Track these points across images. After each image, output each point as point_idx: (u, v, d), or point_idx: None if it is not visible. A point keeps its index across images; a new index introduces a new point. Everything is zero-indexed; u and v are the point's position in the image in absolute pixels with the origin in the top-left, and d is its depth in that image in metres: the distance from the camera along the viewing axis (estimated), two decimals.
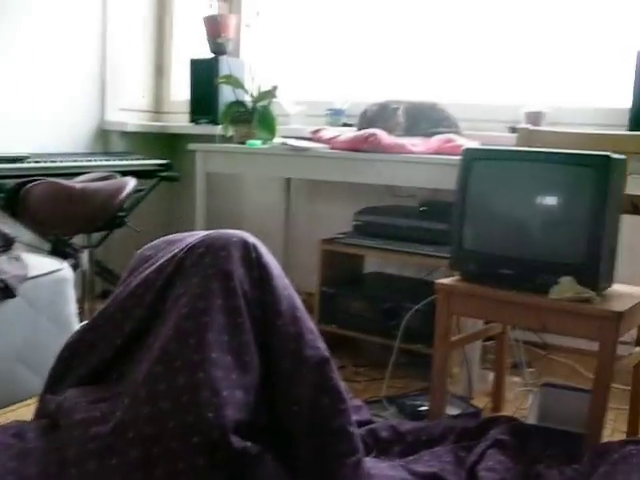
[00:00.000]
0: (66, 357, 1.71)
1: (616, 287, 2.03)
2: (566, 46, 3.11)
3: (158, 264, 1.62)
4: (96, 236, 2.99)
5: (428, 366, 2.15)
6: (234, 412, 1.36)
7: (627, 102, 2.74)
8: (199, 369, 1.39)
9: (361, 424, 1.90)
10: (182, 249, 1.59)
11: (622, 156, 1.96)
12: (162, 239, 1.76)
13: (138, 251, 1.79)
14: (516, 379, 2.60)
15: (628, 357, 2.06)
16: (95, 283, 3.04)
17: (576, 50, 3.10)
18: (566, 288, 1.90)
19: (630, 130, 2.68)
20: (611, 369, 1.85)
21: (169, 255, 1.60)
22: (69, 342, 1.72)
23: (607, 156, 1.90)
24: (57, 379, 1.70)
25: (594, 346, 1.90)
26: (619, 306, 1.88)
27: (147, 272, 1.61)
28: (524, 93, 3.13)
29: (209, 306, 1.46)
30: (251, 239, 1.60)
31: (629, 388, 2.17)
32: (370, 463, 1.66)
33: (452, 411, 2.25)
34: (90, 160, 3.15)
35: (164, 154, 3.55)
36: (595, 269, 1.92)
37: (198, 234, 1.66)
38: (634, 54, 2.69)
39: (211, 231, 1.64)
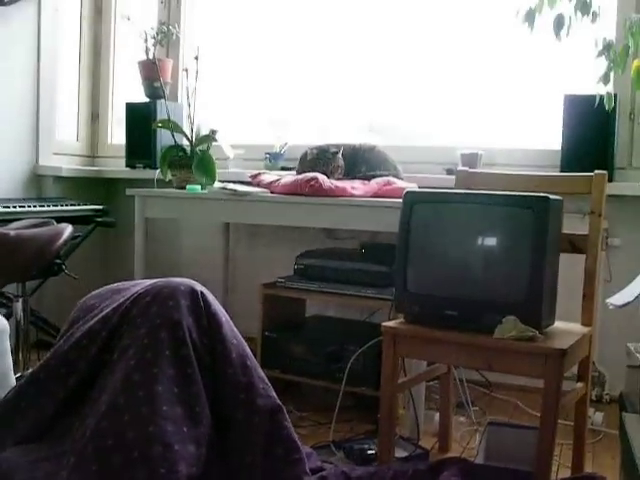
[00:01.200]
0: (4, 414, 1.64)
1: (558, 324, 2.08)
2: (500, 90, 3.21)
3: (103, 314, 1.58)
4: (30, 284, 2.90)
5: (374, 408, 2.14)
6: (187, 467, 1.33)
7: (558, 144, 2.84)
8: (149, 423, 1.35)
9: (312, 471, 1.88)
10: (128, 298, 1.56)
11: (558, 197, 2.02)
12: (106, 288, 1.73)
13: (81, 300, 1.74)
14: (462, 419, 2.61)
15: (571, 393, 2.09)
16: (29, 332, 2.94)
17: (510, 93, 3.20)
18: (510, 327, 1.92)
19: (562, 170, 2.78)
20: (557, 406, 1.87)
21: (114, 305, 1.56)
22: (7, 398, 1.66)
23: (546, 197, 1.95)
24: None
25: (537, 383, 1.93)
26: (562, 343, 1.91)
27: (91, 322, 1.57)
28: (460, 135, 3.21)
29: (158, 357, 1.43)
30: (198, 287, 1.58)
31: (571, 423, 2.20)
32: None
33: (400, 453, 2.24)
34: (24, 206, 3.07)
35: (100, 199, 3.49)
36: (537, 308, 1.95)
37: (144, 283, 1.63)
38: (562, 98, 2.81)
39: (157, 280, 1.61)
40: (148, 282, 1.61)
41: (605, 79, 2.47)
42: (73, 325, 1.64)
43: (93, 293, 1.72)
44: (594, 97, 2.48)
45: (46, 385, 1.59)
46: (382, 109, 3.44)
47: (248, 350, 1.57)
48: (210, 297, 1.59)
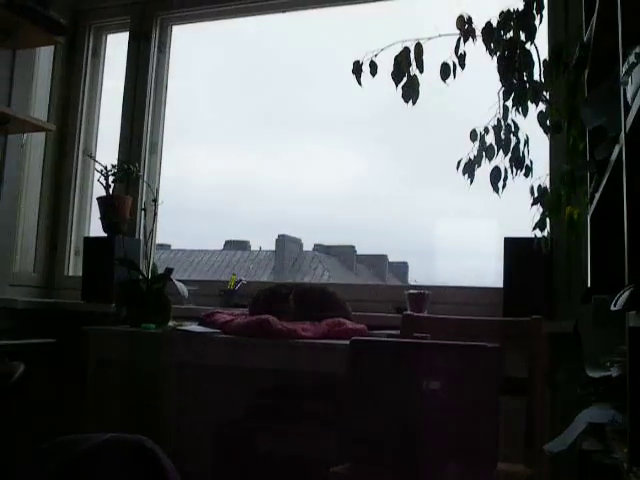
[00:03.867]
0: None
1: (500, 466, 2.13)
2: (446, 229, 3.38)
3: (48, 472, 1.59)
4: None
5: None
6: None
7: (500, 282, 2.97)
8: None
9: None
10: (75, 456, 1.58)
11: (495, 344, 2.12)
12: (54, 442, 1.74)
13: (25, 455, 1.75)
14: None
15: None
16: None
17: (455, 233, 3.36)
18: (452, 473, 1.98)
19: (504, 308, 2.89)
20: None
21: (62, 465, 1.58)
22: None
23: (482, 346, 2.05)
24: None
25: None
26: None
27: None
28: (406, 265, 3.35)
29: None
30: (149, 444, 1.61)
31: None
32: None
33: None
34: None
35: (55, 332, 3.48)
36: (477, 452, 2.02)
37: (92, 438, 1.65)
38: (502, 241, 2.96)
39: (106, 436, 1.64)
40: (96, 438, 1.63)
41: (541, 225, 2.64)
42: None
43: (37, 449, 1.73)
44: (532, 240, 2.63)
45: None
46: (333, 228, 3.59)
47: None
48: (160, 454, 1.62)
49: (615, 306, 1.35)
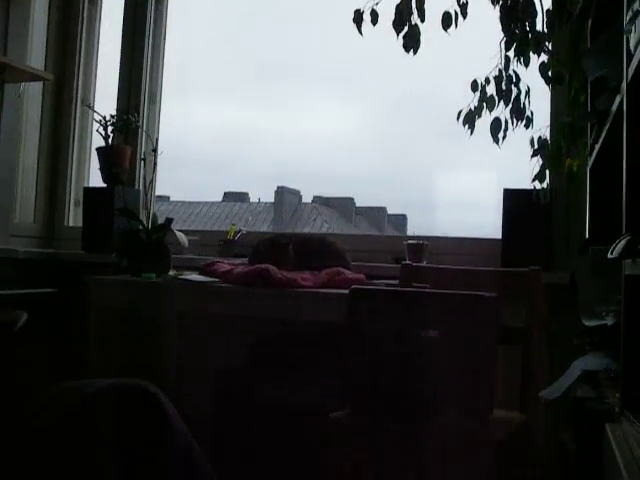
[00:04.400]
0: None
1: (496, 412, 2.17)
2: (445, 181, 3.38)
3: (52, 416, 1.62)
4: None
5: None
6: None
7: (499, 233, 2.98)
8: None
9: None
10: (79, 402, 1.61)
11: (493, 294, 2.14)
12: (59, 388, 1.77)
13: (31, 399, 1.78)
14: None
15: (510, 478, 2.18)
16: None
17: (456, 184, 3.37)
18: (449, 418, 2.02)
19: (503, 259, 2.91)
20: None
21: (65, 409, 1.61)
22: None
23: (478, 295, 2.08)
24: None
25: None
26: (499, 433, 2.02)
27: (41, 427, 1.61)
28: (405, 217, 3.37)
29: (108, 461, 1.48)
30: (152, 389, 1.64)
31: None
32: None
33: None
34: None
35: (56, 282, 3.51)
36: (475, 399, 2.06)
37: (94, 384, 1.68)
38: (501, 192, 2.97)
39: (109, 381, 1.67)
40: (99, 383, 1.66)
41: (540, 177, 2.64)
42: (21, 430, 1.68)
43: (43, 394, 1.76)
44: (532, 191, 2.64)
45: None
46: (333, 180, 3.60)
47: (197, 450, 1.64)
48: (162, 398, 1.64)
49: (612, 254, 1.36)
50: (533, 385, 2.30)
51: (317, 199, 6.59)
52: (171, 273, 3.02)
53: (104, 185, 3.55)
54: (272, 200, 6.50)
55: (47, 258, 3.74)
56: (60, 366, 3.19)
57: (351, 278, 2.75)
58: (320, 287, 2.76)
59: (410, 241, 2.98)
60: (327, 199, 6.60)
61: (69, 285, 3.51)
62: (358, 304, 2.18)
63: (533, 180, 2.62)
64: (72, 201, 3.89)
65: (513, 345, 2.33)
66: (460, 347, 2.07)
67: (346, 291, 2.29)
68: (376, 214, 6.37)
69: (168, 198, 5.12)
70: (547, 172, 2.62)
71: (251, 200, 6.62)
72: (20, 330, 2.75)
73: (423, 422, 2.03)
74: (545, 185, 2.64)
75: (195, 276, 2.90)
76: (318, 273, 2.82)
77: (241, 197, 6.61)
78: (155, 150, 3.14)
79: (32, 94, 3.80)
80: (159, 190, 3.80)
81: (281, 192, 6.45)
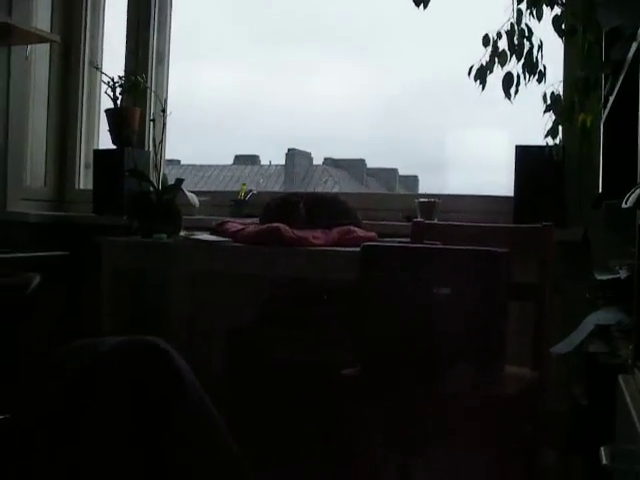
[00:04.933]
0: None
1: (508, 369, 2.18)
2: (458, 135, 3.35)
3: (67, 374, 1.64)
4: None
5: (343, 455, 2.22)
6: None
7: (511, 191, 2.96)
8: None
9: None
10: (93, 359, 1.62)
11: (505, 249, 2.13)
12: (72, 345, 1.79)
13: (45, 358, 1.80)
14: (420, 461, 2.68)
15: (522, 434, 2.19)
16: None
17: (467, 141, 3.34)
18: (461, 374, 2.02)
19: (515, 217, 2.89)
20: (506, 449, 1.97)
21: (80, 366, 1.63)
22: None
23: (492, 251, 2.06)
24: None
25: None
26: (510, 389, 2.02)
27: (57, 384, 1.63)
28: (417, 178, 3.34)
29: (121, 417, 1.50)
30: (162, 345, 1.65)
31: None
32: None
33: None
34: None
35: (68, 245, 3.52)
36: (486, 355, 2.06)
37: (107, 341, 1.69)
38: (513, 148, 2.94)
39: (122, 338, 1.68)
40: (112, 340, 1.67)
41: (553, 132, 2.61)
42: (37, 383, 1.70)
43: (57, 352, 1.78)
44: (544, 148, 2.61)
45: (15, 443, 1.64)
46: (343, 142, 3.58)
47: (209, 404, 1.65)
48: (174, 354, 1.66)
49: (626, 204, 1.35)
50: (545, 341, 2.29)
51: (328, 161, 6.55)
52: (182, 234, 3.02)
53: (114, 147, 3.54)
54: (283, 162, 6.48)
55: (58, 221, 3.75)
56: (74, 327, 3.22)
57: (362, 236, 2.74)
58: (331, 245, 2.76)
59: (421, 199, 2.96)
60: (338, 161, 6.56)
61: (81, 248, 3.52)
62: (369, 261, 2.18)
63: (545, 136, 2.58)
64: (82, 164, 3.89)
65: (525, 301, 2.32)
66: (472, 303, 2.06)
67: (357, 249, 2.28)
68: (387, 175, 6.32)
69: (179, 162, 5.11)
70: (560, 128, 2.59)
71: (262, 163, 6.60)
72: (33, 292, 2.77)
73: (435, 379, 2.03)
74: (558, 141, 2.61)
75: (206, 236, 2.90)
76: (329, 231, 2.81)
77: (252, 160, 6.58)
78: (164, 111, 3.12)
79: (39, 57, 3.77)
80: (169, 154, 3.79)
81: (292, 154, 6.42)
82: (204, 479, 1.56)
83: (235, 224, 2.98)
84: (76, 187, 3.91)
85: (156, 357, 1.60)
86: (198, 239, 2.86)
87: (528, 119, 3.07)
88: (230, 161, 6.30)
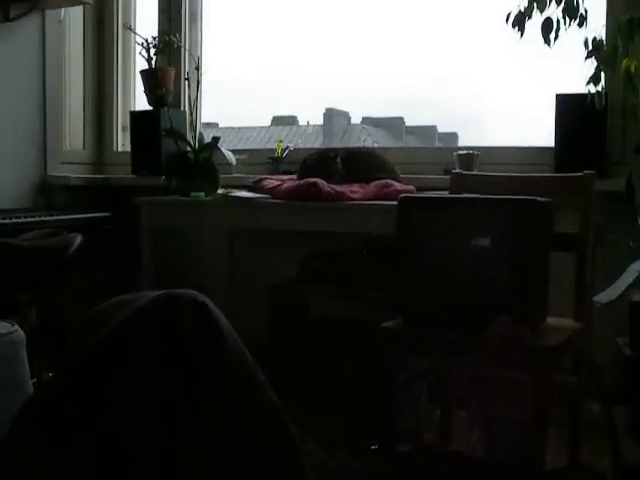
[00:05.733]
0: (21, 422, 1.73)
1: (549, 320, 2.14)
2: (495, 90, 3.29)
3: (108, 330, 1.65)
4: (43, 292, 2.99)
5: (378, 406, 2.22)
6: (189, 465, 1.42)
7: (551, 141, 2.90)
8: (155, 428, 1.45)
9: (315, 468, 1.97)
10: (132, 313, 1.63)
11: (547, 198, 2.09)
12: (112, 301, 1.80)
13: (89, 313, 1.82)
14: (463, 413, 2.68)
15: (565, 386, 2.17)
16: (44, 340, 3.03)
17: (505, 93, 3.27)
18: (502, 326, 2.00)
19: (556, 168, 2.84)
20: (547, 401, 1.95)
21: (120, 320, 1.64)
22: (25, 407, 1.74)
23: (533, 199, 2.02)
24: (12, 444, 1.71)
25: None
26: (552, 340, 1.99)
27: (98, 338, 1.64)
28: (454, 129, 3.29)
29: (161, 369, 1.51)
30: (200, 298, 1.65)
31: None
32: None
33: (402, 448, 2.32)
34: (34, 216, 3.15)
35: (108, 207, 3.56)
36: (528, 307, 2.03)
37: (147, 295, 1.70)
38: (553, 97, 2.87)
39: (160, 292, 1.69)
40: (151, 295, 1.68)
41: (595, 79, 2.53)
42: (81, 338, 1.72)
43: (99, 307, 1.80)
44: (585, 96, 2.54)
45: (59, 396, 1.67)
46: (382, 100, 3.54)
47: (248, 356, 1.65)
48: (211, 307, 1.66)
49: None
50: (587, 292, 2.25)
51: (366, 119, 6.50)
52: (220, 192, 3.03)
53: (150, 108, 3.55)
54: (321, 122, 6.45)
55: (98, 184, 3.80)
56: (115, 286, 3.26)
57: (400, 190, 2.71)
58: (369, 199, 2.74)
59: (460, 152, 2.92)
60: (376, 119, 6.50)
61: (121, 209, 3.55)
62: (407, 213, 2.15)
63: (587, 83, 2.51)
64: (120, 126, 3.91)
65: (567, 252, 2.28)
66: (512, 254, 2.03)
67: (395, 203, 2.26)
68: (426, 133, 6.26)
69: (217, 125, 5.11)
70: (602, 74, 2.51)
71: (300, 123, 6.57)
72: (75, 253, 2.80)
73: (475, 330, 2.01)
74: (600, 88, 2.53)
75: (244, 193, 2.90)
76: (367, 185, 2.79)
77: (290, 120, 6.57)
78: (198, 69, 3.11)
79: (73, 20, 3.79)
80: (207, 117, 3.80)
81: (330, 114, 6.38)
82: (244, 429, 1.57)
83: (272, 180, 2.97)
84: (114, 149, 3.94)
85: (194, 309, 1.61)
86: (236, 196, 2.86)
87: (569, 67, 3.00)
88: (268, 122, 6.29)
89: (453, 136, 5.36)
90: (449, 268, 2.12)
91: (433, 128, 6.11)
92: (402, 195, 2.23)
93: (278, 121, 6.48)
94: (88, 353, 1.64)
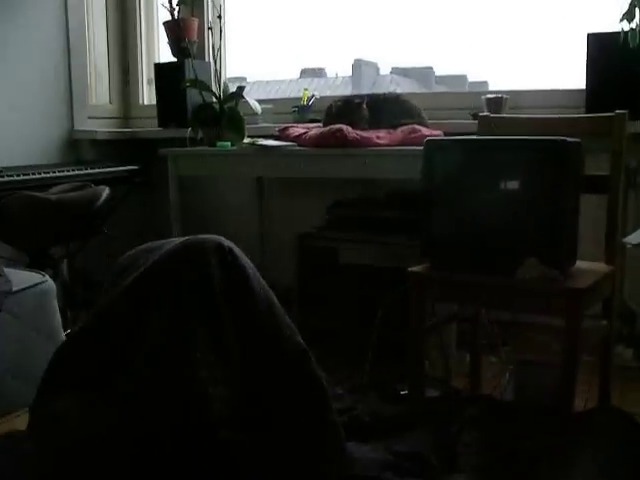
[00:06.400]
0: (56, 367, 1.76)
1: (579, 264, 2.11)
2: (523, 31, 3.21)
3: (137, 273, 1.67)
4: (74, 245, 3.02)
5: (407, 351, 2.23)
6: (219, 407, 1.44)
7: (582, 83, 2.83)
8: (184, 369, 1.46)
9: (343, 412, 1.98)
10: (160, 257, 1.65)
11: (576, 139, 2.04)
12: (140, 248, 1.82)
13: (118, 260, 1.84)
14: (492, 359, 2.68)
15: (595, 330, 2.15)
16: (75, 291, 3.08)
17: (533, 34, 3.19)
18: (531, 269, 1.98)
19: (587, 110, 2.77)
20: (577, 344, 1.93)
21: (147, 264, 1.65)
22: (58, 352, 1.77)
23: (562, 140, 1.98)
24: (48, 389, 1.75)
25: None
26: (582, 283, 1.96)
27: (127, 282, 1.66)
28: (484, 78, 3.23)
29: (189, 311, 1.52)
30: (226, 243, 1.66)
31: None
32: (352, 448, 1.73)
33: (432, 393, 2.33)
34: (62, 171, 3.17)
35: (135, 160, 3.57)
36: (558, 249, 2.01)
37: (174, 241, 1.71)
38: (585, 37, 2.79)
39: (187, 237, 1.70)
40: (178, 241, 1.69)
41: (629, 16, 2.45)
42: (111, 284, 1.74)
43: (127, 254, 1.81)
44: (618, 34, 2.46)
45: (91, 340, 1.70)
46: (410, 50, 3.48)
47: (275, 299, 1.66)
48: (237, 251, 1.67)
49: None
50: (618, 234, 2.21)
51: (395, 70, 6.40)
52: (246, 141, 3.02)
53: (174, 60, 3.52)
54: (350, 74, 6.37)
55: (125, 137, 3.80)
56: (145, 236, 3.29)
57: (427, 135, 2.67)
58: (396, 145, 2.70)
59: (489, 95, 2.86)
60: (406, 69, 6.41)
61: (148, 162, 3.56)
62: (434, 156, 2.12)
63: (621, 20, 2.43)
64: (145, 79, 3.90)
65: (598, 194, 2.23)
66: (541, 196, 2.00)
67: (422, 148, 2.23)
68: (456, 82, 6.15)
69: (245, 79, 5.08)
70: (637, 10, 2.43)
71: (328, 75, 6.51)
72: (103, 205, 2.82)
73: (504, 272, 2.00)
74: (634, 25, 2.45)
75: (270, 142, 2.88)
76: (393, 131, 2.76)
77: (318, 73, 6.51)
78: (220, 17, 3.07)
79: None
80: (235, 71, 3.76)
81: (358, 65, 6.31)
82: (272, 372, 1.59)
83: (298, 128, 2.95)
84: (140, 102, 3.93)
85: (220, 252, 1.62)
86: (262, 145, 2.85)
87: (601, 4, 2.91)
88: (296, 75, 6.24)
89: (483, 84, 5.27)
90: (476, 211, 2.10)
91: (463, 77, 6.00)
92: (428, 138, 2.19)
93: (307, 73, 6.43)
94: (117, 296, 1.66)
